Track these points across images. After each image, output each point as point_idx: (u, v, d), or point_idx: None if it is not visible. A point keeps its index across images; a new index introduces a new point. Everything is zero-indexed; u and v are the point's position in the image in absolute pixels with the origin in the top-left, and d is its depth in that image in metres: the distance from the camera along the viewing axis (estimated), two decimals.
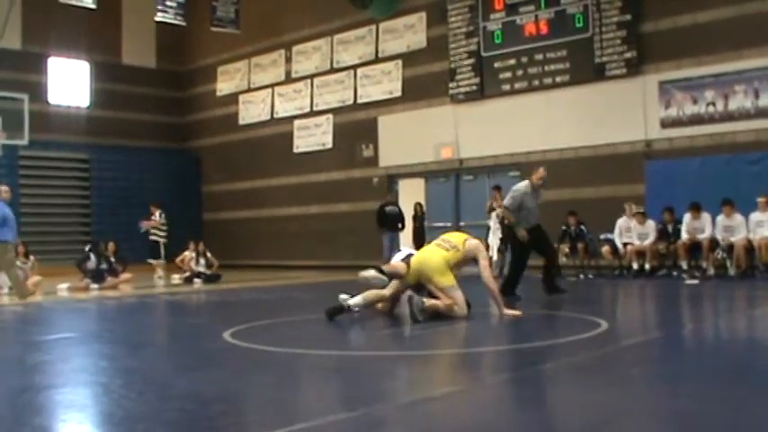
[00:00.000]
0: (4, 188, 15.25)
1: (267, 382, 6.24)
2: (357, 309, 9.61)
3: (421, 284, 9.76)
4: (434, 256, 9.80)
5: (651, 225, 17.62)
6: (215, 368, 6.98)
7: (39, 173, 26.39)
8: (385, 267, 9.85)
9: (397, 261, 10.11)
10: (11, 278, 15.37)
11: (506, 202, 12.59)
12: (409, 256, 10.10)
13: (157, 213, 21.04)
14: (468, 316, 9.64)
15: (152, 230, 20.90)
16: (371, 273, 9.86)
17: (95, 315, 13.32)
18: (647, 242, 17.48)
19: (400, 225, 20.70)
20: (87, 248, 19.15)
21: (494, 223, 18.47)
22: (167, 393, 5.74)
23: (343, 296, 9.95)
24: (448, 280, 9.66)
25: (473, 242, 10.15)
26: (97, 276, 18.35)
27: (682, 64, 18.49)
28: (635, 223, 17.79)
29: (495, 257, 18.82)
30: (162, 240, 20.80)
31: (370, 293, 9.76)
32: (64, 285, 17.52)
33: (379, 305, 10.04)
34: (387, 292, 9.87)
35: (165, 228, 20.87)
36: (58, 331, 10.76)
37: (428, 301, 9.40)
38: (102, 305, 14.65)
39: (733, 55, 17.71)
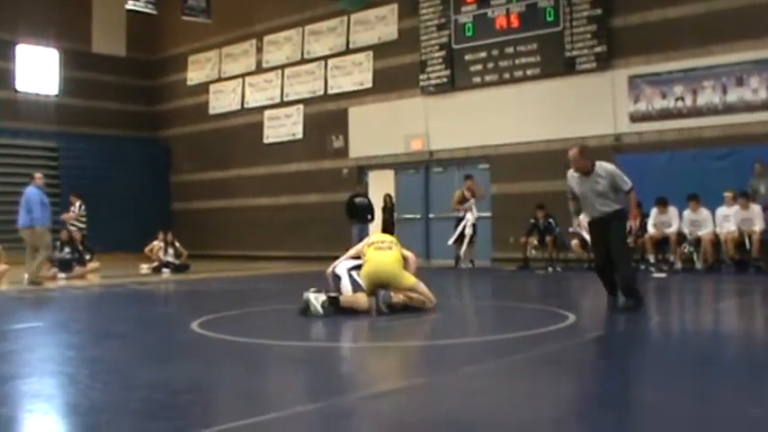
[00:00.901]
0: (38, 175, 16.63)
1: (235, 372, 6.23)
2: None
3: (382, 285, 9.52)
4: (385, 260, 9.61)
5: None
6: (183, 358, 6.97)
7: (6, 161, 26.06)
8: (343, 301, 9.34)
9: (351, 293, 9.55)
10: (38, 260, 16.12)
11: None
12: (354, 268, 9.77)
13: (77, 204, 20.26)
14: (436, 308, 9.67)
15: (71, 223, 19.83)
16: (312, 296, 9.64)
17: (63, 305, 13.24)
18: None
19: (370, 216, 20.71)
20: (57, 237, 19.00)
21: (470, 214, 18.62)
22: (134, 383, 5.73)
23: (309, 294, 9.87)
24: (409, 279, 9.65)
25: (404, 251, 10.19)
26: (64, 266, 18.23)
27: (651, 59, 18.61)
28: None
29: (464, 248, 19.00)
30: (80, 233, 19.68)
31: (346, 299, 9.49)
32: None
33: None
34: (364, 305, 9.36)
35: (84, 219, 20.14)
36: (24, 321, 10.68)
37: (396, 296, 9.39)
38: (69, 295, 14.56)
39: (702, 51, 17.85)
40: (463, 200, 19.24)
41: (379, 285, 9.49)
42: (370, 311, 9.25)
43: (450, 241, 19.29)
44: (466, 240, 19.09)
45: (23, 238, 16.30)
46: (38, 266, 16.19)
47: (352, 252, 10.25)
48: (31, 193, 16.09)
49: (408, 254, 10.04)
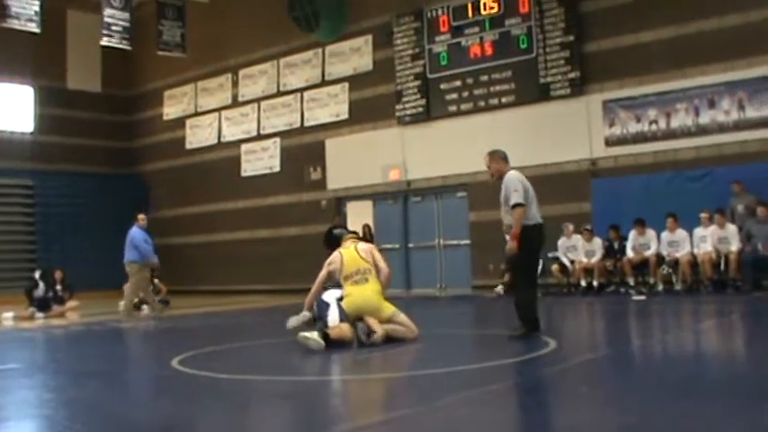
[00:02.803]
0: (142, 216, 18.48)
1: (217, 409, 6.18)
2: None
3: (359, 318, 9.52)
4: (365, 294, 9.62)
5: (598, 242, 17.82)
6: (163, 397, 6.92)
7: None
8: (333, 336, 9.22)
9: (337, 323, 9.47)
10: (127, 295, 17.59)
11: None
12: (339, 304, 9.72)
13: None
14: (418, 337, 9.66)
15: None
16: (299, 319, 9.81)
17: (41, 345, 13.14)
18: (594, 259, 17.66)
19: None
20: (37, 275, 18.89)
21: None
22: (114, 424, 5.67)
23: (292, 322, 9.92)
24: (388, 309, 9.66)
25: (363, 246, 10.23)
26: (43, 305, 18.11)
27: (624, 83, 18.78)
28: (582, 241, 17.97)
29: None
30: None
31: (335, 333, 9.40)
32: (9, 314, 17.30)
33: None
34: (349, 336, 9.38)
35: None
36: (1, 362, 10.57)
37: (376, 328, 9.36)
38: (48, 334, 14.46)
39: (674, 74, 18.03)
40: None
41: (357, 316, 9.50)
42: (352, 342, 9.27)
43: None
44: None
45: (130, 272, 17.49)
46: (130, 297, 17.51)
47: (320, 280, 10.20)
48: (135, 232, 17.74)
49: (382, 265, 9.99)
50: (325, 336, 9.13)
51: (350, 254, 10.08)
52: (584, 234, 17.95)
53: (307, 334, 9.13)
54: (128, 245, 17.68)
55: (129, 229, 17.37)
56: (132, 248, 17.58)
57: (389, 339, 9.39)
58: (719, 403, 5.68)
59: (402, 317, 9.71)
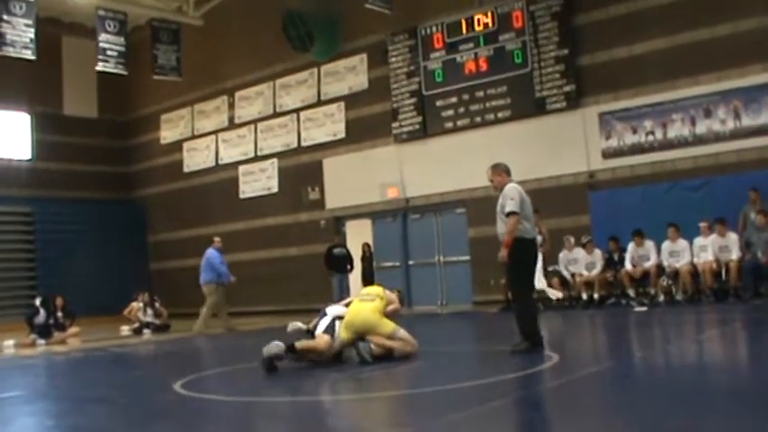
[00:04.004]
0: (217, 239, 19.77)
1: None
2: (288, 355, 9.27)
3: (361, 338, 9.59)
4: (363, 309, 9.74)
5: (598, 254, 17.79)
6: (166, 421, 6.89)
7: None
8: (299, 347, 9.28)
9: (320, 333, 9.66)
10: (203, 313, 18.87)
11: None
12: (335, 320, 9.81)
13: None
14: (419, 354, 9.65)
15: None
16: (297, 326, 10.16)
17: (42, 371, 13.10)
18: (595, 272, 17.62)
19: (349, 266, 20.68)
20: (38, 302, 18.85)
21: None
22: None
23: (289, 327, 10.06)
24: (388, 325, 9.69)
25: (388, 292, 10.32)
26: (44, 331, 18.08)
27: (620, 95, 18.80)
28: (583, 253, 17.94)
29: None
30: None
31: (303, 343, 9.50)
32: (10, 342, 17.25)
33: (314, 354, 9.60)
34: (321, 346, 9.50)
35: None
36: (3, 390, 10.54)
37: (377, 345, 9.39)
38: (49, 361, 14.42)
39: (669, 84, 18.06)
40: None
41: (358, 334, 9.55)
42: (326, 354, 9.42)
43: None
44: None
45: (206, 292, 18.84)
46: (205, 316, 18.74)
47: (343, 303, 10.38)
48: (211, 254, 19.01)
49: (392, 297, 10.19)
50: (291, 348, 9.18)
51: (373, 288, 10.48)
52: (587, 246, 17.92)
53: (267, 349, 9.13)
54: (204, 266, 18.92)
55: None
56: (209, 269, 18.83)
57: (390, 356, 9.40)
58: (724, 414, 5.66)
59: (402, 332, 9.74)
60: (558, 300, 17.66)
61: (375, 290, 10.27)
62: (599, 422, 5.72)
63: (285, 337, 9.68)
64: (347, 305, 10.14)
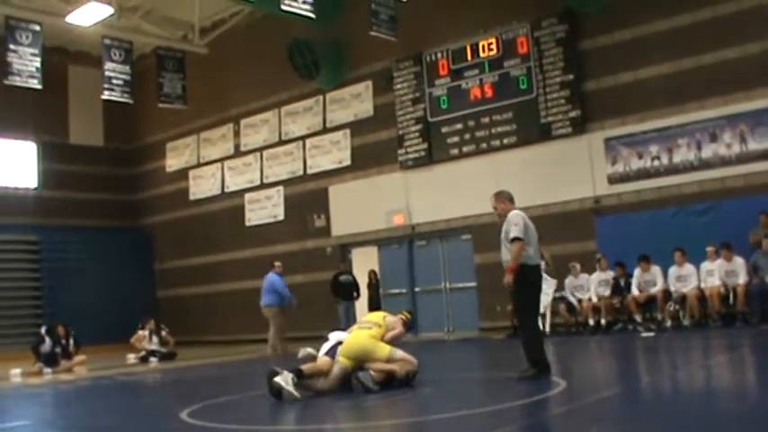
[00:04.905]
0: (278, 263, 20.00)
1: None
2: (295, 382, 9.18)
3: (362, 366, 9.56)
4: (360, 336, 9.76)
5: (611, 273, 17.74)
6: None
7: None
8: (306, 370, 9.32)
9: (322, 355, 9.83)
10: (271, 336, 19.45)
11: None
12: (337, 345, 9.86)
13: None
14: (419, 371, 9.63)
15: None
16: (308, 351, 10.25)
17: (49, 400, 13.07)
18: (608, 292, 17.53)
19: (355, 294, 20.66)
20: (43, 331, 18.83)
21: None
22: None
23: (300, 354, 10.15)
24: (383, 349, 9.64)
25: (391, 318, 10.24)
26: (50, 360, 18.05)
27: (625, 120, 18.82)
28: (598, 271, 17.84)
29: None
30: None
31: (309, 366, 9.54)
32: (17, 371, 17.23)
33: (320, 385, 9.58)
34: (321, 366, 9.58)
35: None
36: (10, 419, 10.51)
37: (376, 371, 9.37)
38: (56, 389, 14.40)
39: (674, 109, 18.07)
40: None
41: (356, 361, 9.55)
42: (330, 377, 9.42)
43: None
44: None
45: (267, 316, 19.42)
46: (274, 339, 19.27)
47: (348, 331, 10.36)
48: (273, 278, 19.50)
49: (394, 323, 10.10)
50: (299, 372, 9.19)
51: (375, 314, 10.64)
52: (601, 262, 17.85)
53: (279, 379, 9.07)
54: (265, 290, 19.44)
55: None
56: (270, 293, 19.35)
57: (392, 379, 9.36)
58: None
59: (399, 353, 9.73)
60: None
61: (376, 317, 10.28)
62: None
63: (294, 363, 9.66)
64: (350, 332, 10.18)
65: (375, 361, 9.52)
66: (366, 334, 9.75)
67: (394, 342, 9.93)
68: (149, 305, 27.19)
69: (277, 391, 9.02)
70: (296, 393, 8.98)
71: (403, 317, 10.42)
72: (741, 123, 17.23)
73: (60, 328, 18.95)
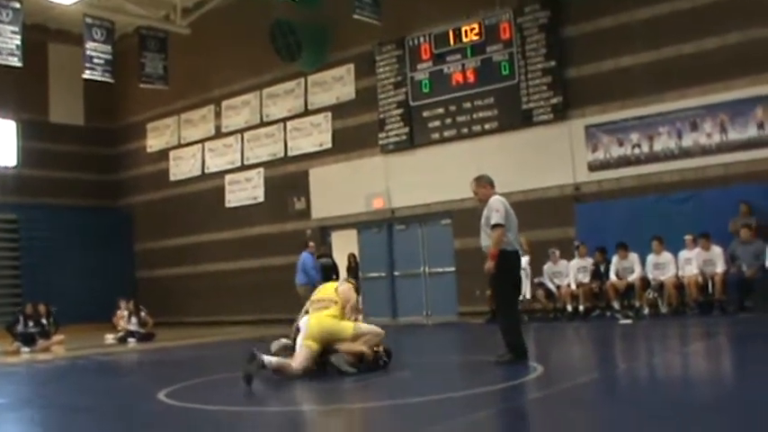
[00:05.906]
0: (312, 243, 20.04)
1: None
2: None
3: (329, 348, 9.50)
4: (321, 318, 9.62)
5: (590, 260, 17.82)
6: (151, 430, 6.87)
7: None
8: (274, 364, 9.16)
9: (299, 344, 9.58)
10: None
11: None
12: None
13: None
14: (391, 350, 9.67)
15: None
16: (282, 343, 10.23)
17: (26, 379, 13.04)
18: (587, 279, 17.61)
19: (335, 276, 20.62)
20: (18, 310, 18.77)
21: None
22: None
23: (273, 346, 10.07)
24: (347, 327, 9.60)
25: (342, 287, 10.15)
26: (27, 339, 17.98)
27: (606, 108, 18.86)
28: (577, 258, 17.93)
29: None
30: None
31: (277, 361, 9.39)
32: None
33: (291, 370, 9.37)
34: (294, 364, 9.31)
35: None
36: None
37: (347, 353, 9.35)
38: (33, 369, 14.36)
39: (655, 98, 18.13)
40: None
41: (322, 342, 9.47)
42: (298, 364, 9.26)
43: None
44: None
45: (300, 294, 18.38)
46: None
47: (303, 312, 10.22)
48: (306, 258, 19.37)
49: (347, 293, 9.99)
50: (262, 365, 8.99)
51: (327, 286, 10.37)
52: (580, 249, 17.94)
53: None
54: (299, 268, 19.34)
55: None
56: (303, 272, 19.22)
57: (362, 359, 9.37)
58: (708, 427, 5.67)
59: (364, 326, 9.78)
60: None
61: (329, 292, 10.06)
62: None
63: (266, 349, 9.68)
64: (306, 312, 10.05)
65: (342, 341, 9.50)
66: (326, 314, 9.65)
67: (354, 314, 9.90)
68: (129, 285, 27.13)
69: (248, 379, 8.89)
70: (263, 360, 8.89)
71: (350, 283, 10.38)
72: (721, 113, 17.31)
73: (41, 306, 18.90)
